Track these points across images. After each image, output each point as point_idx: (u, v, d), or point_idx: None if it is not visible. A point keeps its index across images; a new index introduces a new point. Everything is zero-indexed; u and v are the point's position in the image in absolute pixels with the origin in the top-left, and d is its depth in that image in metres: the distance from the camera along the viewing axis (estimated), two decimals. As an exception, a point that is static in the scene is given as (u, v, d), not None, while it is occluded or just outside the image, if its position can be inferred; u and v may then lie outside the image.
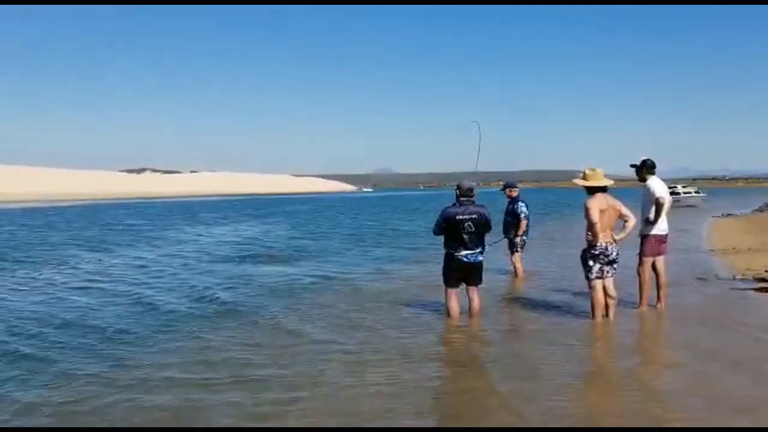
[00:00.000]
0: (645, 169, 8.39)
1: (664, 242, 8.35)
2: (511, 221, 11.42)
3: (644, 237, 8.25)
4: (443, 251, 8.05)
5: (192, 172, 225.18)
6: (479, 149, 9.60)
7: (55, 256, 16.86)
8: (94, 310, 9.20)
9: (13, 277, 12.94)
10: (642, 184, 8.41)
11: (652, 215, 8.12)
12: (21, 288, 11.45)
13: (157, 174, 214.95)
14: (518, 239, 11.41)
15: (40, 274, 13.20)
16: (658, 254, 8.32)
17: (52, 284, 11.86)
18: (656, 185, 8.22)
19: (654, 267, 8.33)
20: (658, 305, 8.34)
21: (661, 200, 8.08)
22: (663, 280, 8.38)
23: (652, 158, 8.44)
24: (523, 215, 11.31)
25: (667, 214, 8.32)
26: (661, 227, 8.20)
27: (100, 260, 15.83)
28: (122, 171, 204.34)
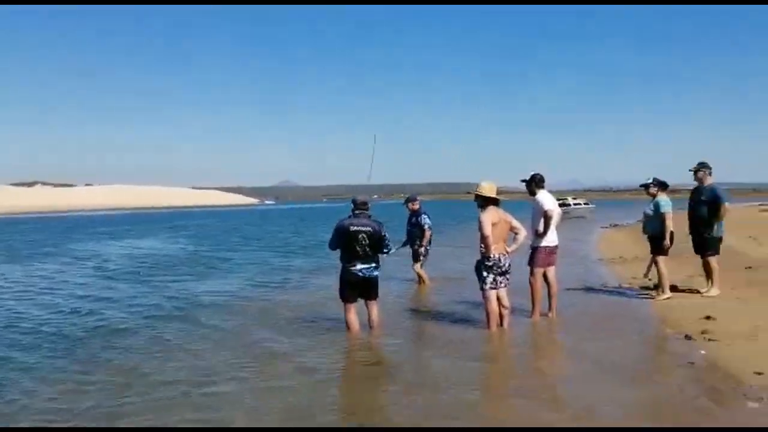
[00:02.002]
0: (534, 183, 8.66)
1: (554, 253, 8.64)
2: (416, 232, 11.85)
3: (535, 248, 8.51)
4: (339, 265, 8.01)
5: (87, 185, 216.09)
6: (372, 159, 9.78)
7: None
8: None
9: None
10: (532, 197, 8.66)
11: (541, 228, 8.38)
12: None
13: (49, 187, 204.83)
14: (422, 249, 11.81)
15: None
16: (549, 265, 8.60)
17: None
18: (545, 199, 8.49)
19: (545, 277, 8.60)
20: (550, 314, 8.60)
21: (550, 213, 8.36)
22: (554, 289, 8.67)
23: (541, 172, 8.72)
24: (427, 226, 11.76)
25: (558, 226, 8.62)
26: (550, 239, 8.48)
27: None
28: (12, 185, 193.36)
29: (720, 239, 9.76)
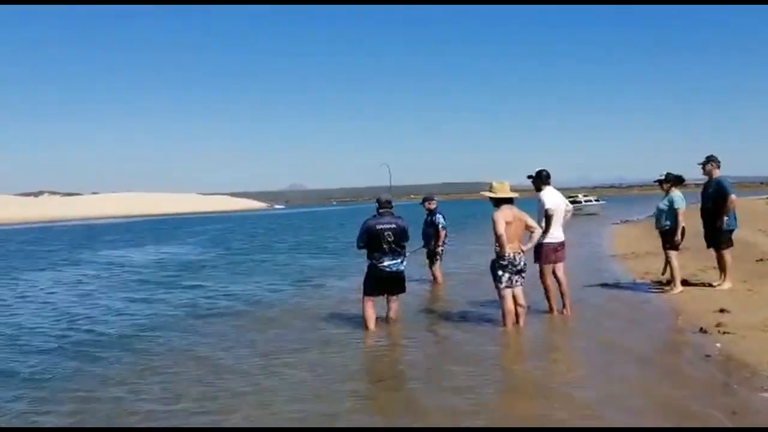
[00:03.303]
0: (540, 179, 8.76)
1: (559, 250, 8.65)
2: (430, 232, 11.97)
3: (539, 246, 8.44)
4: (366, 263, 8.38)
5: (94, 193, 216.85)
6: (390, 187, 10.21)
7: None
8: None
9: None
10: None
11: (543, 224, 8.46)
12: None
13: (57, 196, 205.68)
14: (439, 249, 11.98)
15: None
16: (556, 261, 8.65)
17: None
18: (547, 196, 8.57)
19: (555, 275, 8.67)
20: (564, 311, 8.65)
21: (550, 212, 8.44)
22: (564, 287, 8.71)
23: (550, 169, 8.81)
24: (441, 226, 11.88)
25: (569, 222, 8.76)
26: (554, 235, 8.53)
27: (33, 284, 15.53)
28: (18, 195, 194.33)
29: (731, 232, 9.82)
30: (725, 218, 9.65)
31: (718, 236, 9.78)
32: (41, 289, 14.84)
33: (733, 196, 9.63)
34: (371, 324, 8.27)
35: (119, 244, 32.49)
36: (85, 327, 9.63)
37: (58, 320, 10.35)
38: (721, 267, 9.93)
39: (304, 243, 28.24)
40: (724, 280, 9.86)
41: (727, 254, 9.81)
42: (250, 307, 10.88)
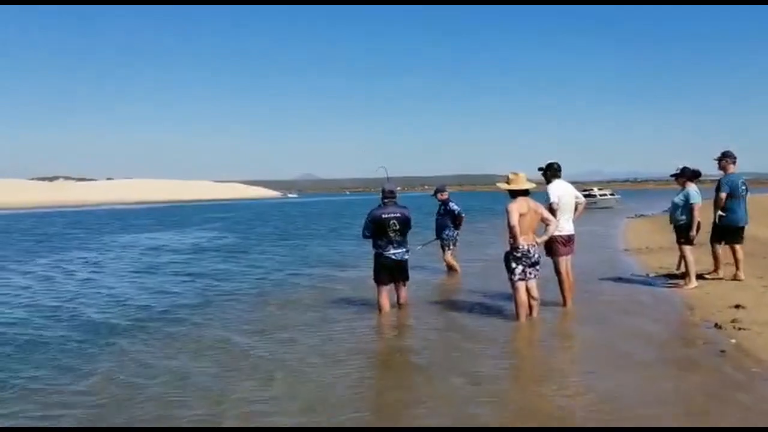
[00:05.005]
0: (550, 172, 8.72)
1: (567, 244, 8.57)
2: (443, 222, 12.15)
3: (548, 239, 8.25)
4: (372, 252, 8.65)
5: (108, 179, 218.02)
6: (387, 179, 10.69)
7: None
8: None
9: None
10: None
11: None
12: None
13: (72, 181, 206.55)
14: (455, 234, 12.16)
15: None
16: (567, 254, 8.60)
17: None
18: (554, 189, 8.51)
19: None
20: (566, 305, 8.60)
21: (554, 205, 8.37)
22: (569, 281, 8.65)
23: (562, 162, 8.75)
24: (457, 212, 12.12)
25: (581, 215, 8.80)
26: (564, 228, 8.48)
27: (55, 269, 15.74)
28: (33, 179, 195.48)
29: (725, 227, 10.11)
30: (720, 213, 10.04)
31: (714, 229, 10.25)
32: (89, 269, 15.71)
33: (722, 195, 9.97)
34: (385, 309, 8.60)
35: (148, 229, 33.66)
36: (135, 305, 10.27)
37: (109, 298, 11.03)
38: (714, 258, 10.39)
39: (326, 230, 29.56)
40: (715, 271, 10.35)
41: (718, 248, 10.27)
42: (272, 288, 11.67)
